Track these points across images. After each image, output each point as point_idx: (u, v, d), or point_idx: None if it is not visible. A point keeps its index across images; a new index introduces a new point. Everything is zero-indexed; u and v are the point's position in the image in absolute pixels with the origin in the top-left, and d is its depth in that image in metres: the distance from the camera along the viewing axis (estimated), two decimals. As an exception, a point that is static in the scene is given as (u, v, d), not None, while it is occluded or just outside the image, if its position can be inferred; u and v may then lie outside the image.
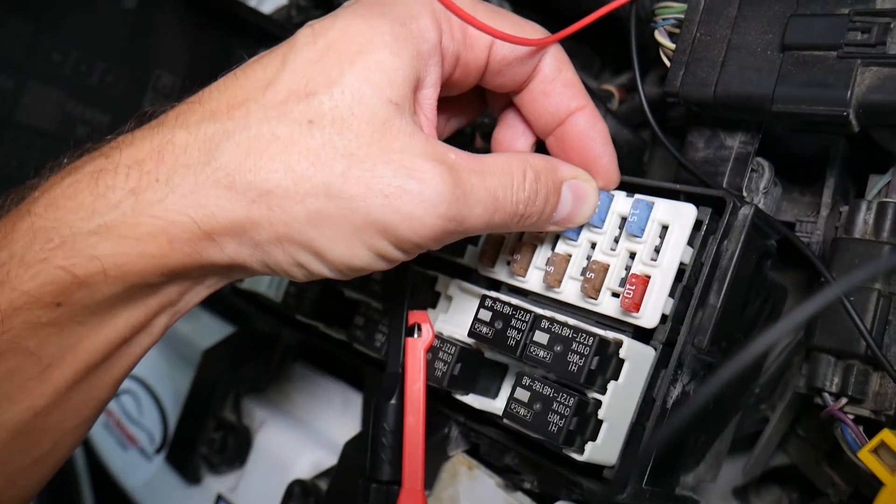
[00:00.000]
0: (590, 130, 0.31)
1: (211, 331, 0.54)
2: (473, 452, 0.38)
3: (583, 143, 0.31)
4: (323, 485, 0.39)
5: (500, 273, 0.35)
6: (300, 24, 0.53)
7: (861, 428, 0.30)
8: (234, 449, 0.45)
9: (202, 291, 0.29)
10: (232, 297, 0.51)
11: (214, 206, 0.25)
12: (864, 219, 0.31)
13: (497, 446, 0.35)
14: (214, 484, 0.46)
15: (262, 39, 0.54)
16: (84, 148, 0.27)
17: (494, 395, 0.34)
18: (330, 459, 0.42)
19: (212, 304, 0.58)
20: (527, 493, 0.35)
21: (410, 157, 0.26)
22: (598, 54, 0.60)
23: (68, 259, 0.24)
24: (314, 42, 0.27)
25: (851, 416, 0.30)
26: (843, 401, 0.30)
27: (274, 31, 0.53)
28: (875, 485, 0.29)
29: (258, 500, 0.43)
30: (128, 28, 0.49)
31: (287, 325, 0.44)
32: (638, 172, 0.45)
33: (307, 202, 0.25)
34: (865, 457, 0.26)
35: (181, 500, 0.47)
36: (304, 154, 0.25)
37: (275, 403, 0.47)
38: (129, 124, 0.27)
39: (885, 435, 0.26)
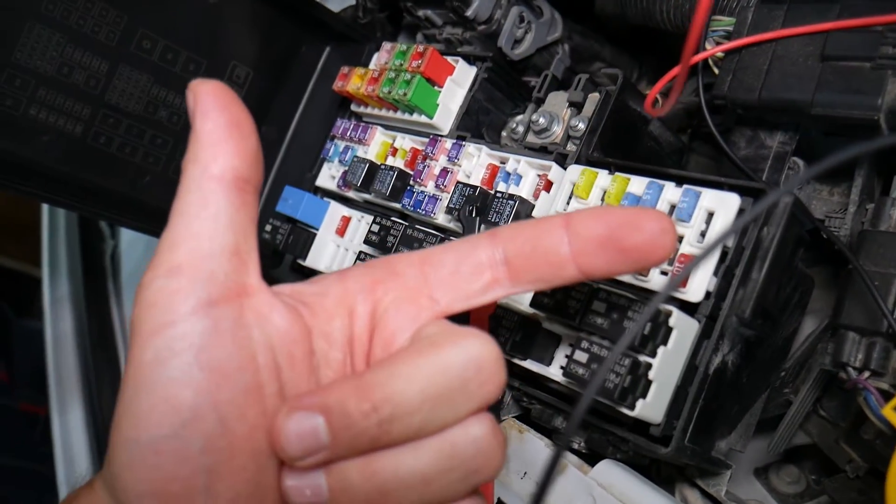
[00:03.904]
0: None
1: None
2: (523, 418, 0.41)
3: None
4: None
5: (557, 252, 0.38)
6: (366, 26, 0.57)
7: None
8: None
9: None
10: (292, 274, 0.55)
11: None
12: (890, 213, 0.35)
13: (548, 409, 0.39)
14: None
15: (328, 37, 0.58)
16: None
17: (548, 363, 0.38)
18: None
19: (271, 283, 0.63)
20: (574, 452, 0.39)
21: None
22: (637, 63, 0.64)
23: None
24: None
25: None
26: (866, 374, 0.34)
27: (341, 30, 0.57)
28: (888, 455, 0.32)
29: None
30: (210, 21, 0.53)
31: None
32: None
33: None
34: (889, 413, 0.30)
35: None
36: None
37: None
38: None
39: (905, 396, 0.29)
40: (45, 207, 0.90)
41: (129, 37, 0.50)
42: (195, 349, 0.24)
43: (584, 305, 0.34)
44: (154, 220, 0.54)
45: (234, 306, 0.26)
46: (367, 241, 0.47)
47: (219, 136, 0.26)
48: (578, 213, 0.27)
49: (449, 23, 0.54)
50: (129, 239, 0.80)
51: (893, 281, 0.34)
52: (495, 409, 0.41)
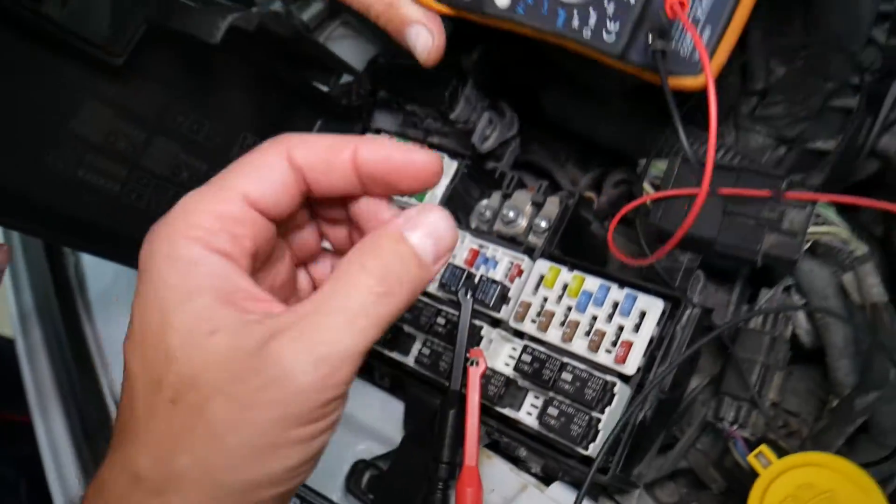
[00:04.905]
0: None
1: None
2: (492, 446, 0.54)
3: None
4: (381, 465, 0.55)
5: (529, 327, 0.52)
6: (359, 107, 0.68)
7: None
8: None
9: None
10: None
11: None
12: (756, 318, 0.51)
13: (513, 442, 0.52)
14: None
15: (321, 112, 0.69)
16: None
17: (518, 409, 0.51)
18: (378, 448, 0.57)
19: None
20: (532, 475, 0.52)
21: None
22: (564, 147, 0.78)
23: None
24: None
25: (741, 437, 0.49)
26: (735, 427, 0.50)
27: (333, 108, 0.68)
28: (747, 482, 0.48)
29: (314, 479, 0.58)
30: (230, 97, 0.62)
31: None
32: (604, 259, 0.64)
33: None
34: (751, 460, 0.45)
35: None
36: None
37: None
38: None
39: (763, 448, 0.45)
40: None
41: (166, 112, 0.58)
42: None
43: (556, 374, 0.48)
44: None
45: None
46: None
47: None
48: (364, 143, 0.33)
49: (430, 116, 0.66)
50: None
51: (755, 365, 0.50)
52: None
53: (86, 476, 0.68)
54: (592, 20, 0.41)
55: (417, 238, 0.31)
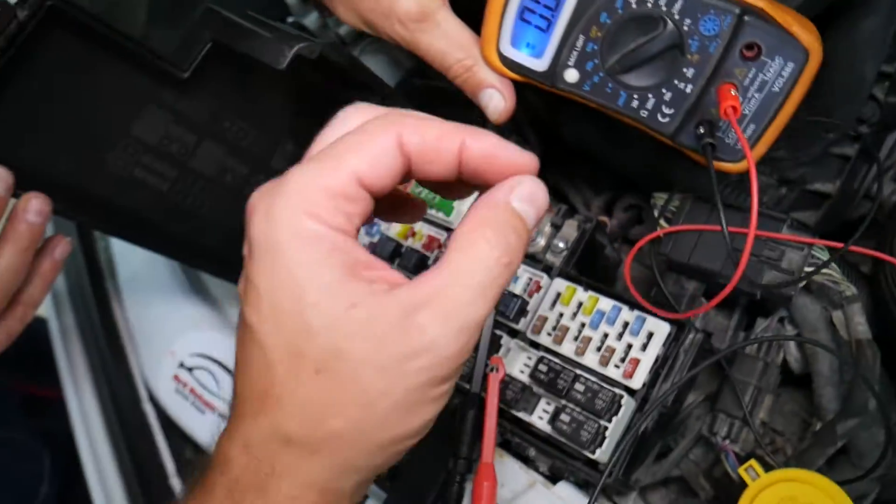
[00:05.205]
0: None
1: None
2: (504, 445, 0.59)
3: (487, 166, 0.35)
4: (400, 456, 0.60)
5: (545, 339, 0.57)
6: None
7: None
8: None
9: None
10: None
11: None
12: (751, 344, 0.56)
13: (524, 443, 0.57)
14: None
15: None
16: None
17: (531, 413, 0.56)
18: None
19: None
20: (540, 473, 0.57)
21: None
22: (579, 169, 0.83)
23: None
24: None
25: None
26: (727, 441, 0.55)
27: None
28: (733, 492, 0.53)
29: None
30: (275, 110, 0.67)
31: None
32: (614, 278, 0.69)
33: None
34: (742, 472, 0.51)
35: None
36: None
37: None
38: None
39: (752, 462, 0.50)
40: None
41: (216, 119, 0.63)
42: None
43: (570, 385, 0.53)
44: (218, 262, 0.67)
45: None
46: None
47: None
48: (472, 136, 0.34)
49: (458, 135, 0.71)
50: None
51: (748, 386, 0.55)
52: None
53: (117, 451, 0.72)
54: (650, 104, 0.46)
55: (521, 205, 0.34)
